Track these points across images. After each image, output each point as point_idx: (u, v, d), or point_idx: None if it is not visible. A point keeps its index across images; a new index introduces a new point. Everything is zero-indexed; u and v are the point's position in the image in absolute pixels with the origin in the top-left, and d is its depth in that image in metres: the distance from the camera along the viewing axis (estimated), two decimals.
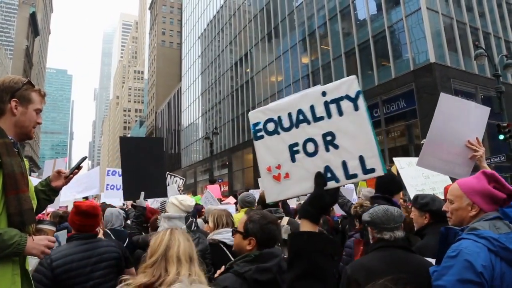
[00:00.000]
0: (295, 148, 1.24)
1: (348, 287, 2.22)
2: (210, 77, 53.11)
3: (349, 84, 1.20)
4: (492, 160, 17.13)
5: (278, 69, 36.61)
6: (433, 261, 2.04)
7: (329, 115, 1.21)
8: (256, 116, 1.32)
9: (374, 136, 1.16)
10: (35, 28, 79.63)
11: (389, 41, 24.11)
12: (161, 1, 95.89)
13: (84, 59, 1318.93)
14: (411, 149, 22.30)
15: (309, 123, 1.23)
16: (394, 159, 5.63)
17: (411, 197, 5.17)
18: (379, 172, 1.15)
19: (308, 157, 1.22)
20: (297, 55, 33.51)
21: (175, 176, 7.75)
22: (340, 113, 1.20)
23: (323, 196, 1.15)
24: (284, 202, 5.89)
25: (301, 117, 1.24)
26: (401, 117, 23.52)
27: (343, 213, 5.73)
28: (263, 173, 1.29)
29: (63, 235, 3.53)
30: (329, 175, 1.18)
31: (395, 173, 6.91)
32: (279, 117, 1.27)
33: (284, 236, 2.71)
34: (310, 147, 1.22)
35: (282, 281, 1.77)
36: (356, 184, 10.83)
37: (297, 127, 1.25)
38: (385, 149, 24.23)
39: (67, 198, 6.40)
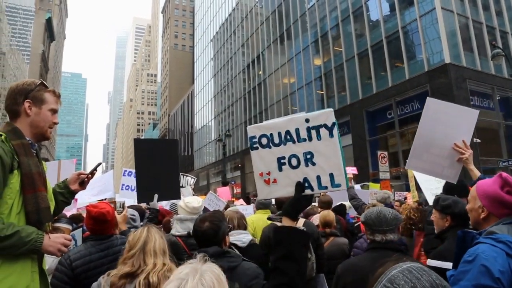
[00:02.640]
0: (282, 161, 1.55)
1: (337, 285, 2.29)
2: (223, 79, 53.39)
3: (327, 115, 1.50)
4: (509, 163, 16.74)
5: (290, 71, 36.55)
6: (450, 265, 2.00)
7: (310, 138, 1.52)
8: (253, 131, 1.61)
9: (342, 159, 1.49)
10: (51, 33, 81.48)
11: (403, 42, 23.80)
12: (174, 4, 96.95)
13: (98, 63, 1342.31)
14: None
15: (294, 142, 1.54)
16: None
17: (428, 199, 5.08)
18: (343, 187, 1.49)
19: (291, 169, 1.54)
20: (309, 57, 33.36)
21: (186, 176, 7.81)
22: (319, 137, 1.50)
23: (301, 200, 1.49)
24: None
25: (288, 137, 1.55)
26: (415, 119, 23.12)
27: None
28: (256, 177, 1.61)
29: (78, 233, 3.59)
30: (306, 184, 1.50)
31: (411, 176, 6.82)
32: (271, 134, 1.57)
33: None
34: (294, 161, 1.54)
35: None
36: (363, 187, 10.82)
37: (284, 144, 1.55)
38: (399, 151, 23.92)
39: (82, 200, 6.45)
